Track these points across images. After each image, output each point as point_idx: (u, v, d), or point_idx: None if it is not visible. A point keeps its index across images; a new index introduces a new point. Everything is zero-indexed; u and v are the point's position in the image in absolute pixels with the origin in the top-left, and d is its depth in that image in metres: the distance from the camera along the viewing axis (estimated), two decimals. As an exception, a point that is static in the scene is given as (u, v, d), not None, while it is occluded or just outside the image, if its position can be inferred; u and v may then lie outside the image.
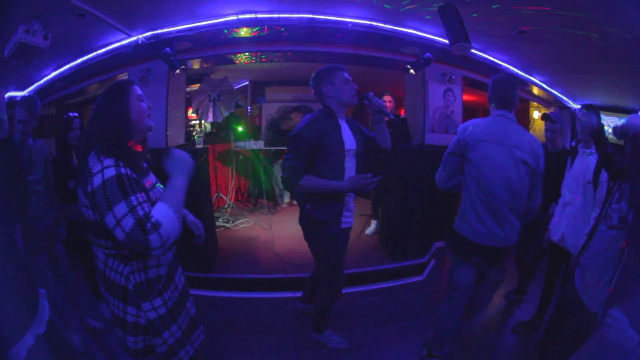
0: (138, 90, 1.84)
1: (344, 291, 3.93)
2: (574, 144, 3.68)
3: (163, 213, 1.62)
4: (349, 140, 2.82)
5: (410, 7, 4.25)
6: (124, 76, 5.34)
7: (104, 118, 1.74)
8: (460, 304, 2.83)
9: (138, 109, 1.81)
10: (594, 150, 2.82)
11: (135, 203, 1.58)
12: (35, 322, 1.64)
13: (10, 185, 1.61)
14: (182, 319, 2.02)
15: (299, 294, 3.93)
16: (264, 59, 6.04)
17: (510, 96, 2.62)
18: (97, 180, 1.59)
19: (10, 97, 4.57)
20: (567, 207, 3.10)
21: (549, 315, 2.79)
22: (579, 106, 6.68)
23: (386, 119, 2.88)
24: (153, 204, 1.73)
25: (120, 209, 1.55)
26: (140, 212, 1.57)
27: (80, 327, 3.43)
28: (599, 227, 2.27)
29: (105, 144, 1.68)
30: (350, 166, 2.83)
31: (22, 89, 5.03)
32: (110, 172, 1.59)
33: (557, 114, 3.61)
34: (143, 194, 1.67)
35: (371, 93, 2.80)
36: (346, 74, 2.80)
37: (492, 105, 2.69)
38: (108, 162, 1.62)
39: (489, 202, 2.54)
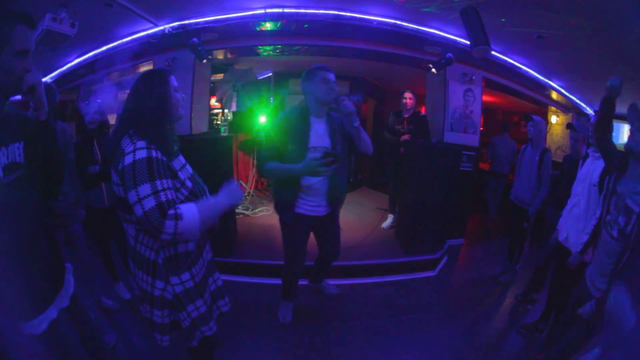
0: (174, 80, 1.93)
1: (358, 281, 4.05)
2: (588, 150, 3.74)
3: (190, 213, 1.73)
4: (319, 138, 2.98)
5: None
6: (148, 64, 5.47)
7: (145, 103, 1.81)
8: None
9: (174, 98, 1.90)
10: None
11: (159, 188, 1.68)
12: (60, 296, 1.75)
13: (48, 164, 1.70)
14: (207, 295, 2.11)
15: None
16: (288, 50, 6.14)
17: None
18: (129, 159, 1.68)
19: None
20: (574, 209, 3.16)
21: (563, 316, 2.82)
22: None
23: (354, 124, 2.90)
24: (183, 183, 1.85)
25: (144, 189, 1.66)
26: (163, 198, 1.68)
27: (95, 305, 3.57)
28: (602, 231, 2.32)
29: (142, 127, 1.77)
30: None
31: (45, 75, 5.18)
32: (142, 154, 1.69)
33: (581, 124, 3.72)
34: (169, 180, 1.76)
35: (342, 97, 2.93)
36: (329, 75, 2.93)
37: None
38: (141, 143, 1.71)
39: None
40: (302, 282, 4.17)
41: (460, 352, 3.41)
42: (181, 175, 1.88)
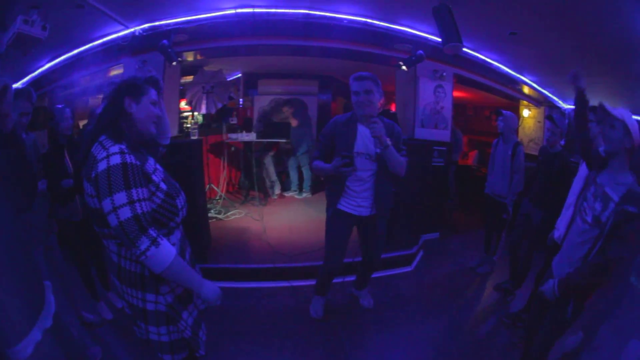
0: (153, 94, 1.85)
1: (336, 280, 4.01)
2: (563, 142, 3.81)
3: (168, 251, 1.65)
4: (364, 144, 3.14)
5: None
6: (119, 68, 5.36)
7: (111, 110, 1.75)
8: None
9: (146, 110, 1.82)
10: None
11: (135, 198, 1.59)
12: (42, 316, 1.65)
13: (16, 178, 1.60)
14: (196, 297, 2.00)
15: (294, 283, 4.21)
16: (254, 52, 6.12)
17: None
18: (102, 165, 1.58)
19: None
20: (570, 208, 3.15)
21: (532, 305, 2.89)
22: (568, 106, 6.84)
23: (376, 149, 3.01)
24: (157, 186, 1.76)
25: (120, 197, 1.56)
26: (139, 210, 1.59)
27: (76, 321, 3.40)
28: (576, 218, 2.36)
29: (113, 132, 1.69)
30: (366, 168, 3.17)
31: (16, 81, 5.00)
32: (116, 160, 1.59)
33: (560, 118, 3.77)
34: (145, 189, 1.67)
35: (375, 119, 2.91)
36: (356, 85, 3.02)
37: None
38: (114, 149, 1.62)
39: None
40: (306, 282, 4.22)
41: (442, 344, 3.45)
42: (155, 178, 1.79)
